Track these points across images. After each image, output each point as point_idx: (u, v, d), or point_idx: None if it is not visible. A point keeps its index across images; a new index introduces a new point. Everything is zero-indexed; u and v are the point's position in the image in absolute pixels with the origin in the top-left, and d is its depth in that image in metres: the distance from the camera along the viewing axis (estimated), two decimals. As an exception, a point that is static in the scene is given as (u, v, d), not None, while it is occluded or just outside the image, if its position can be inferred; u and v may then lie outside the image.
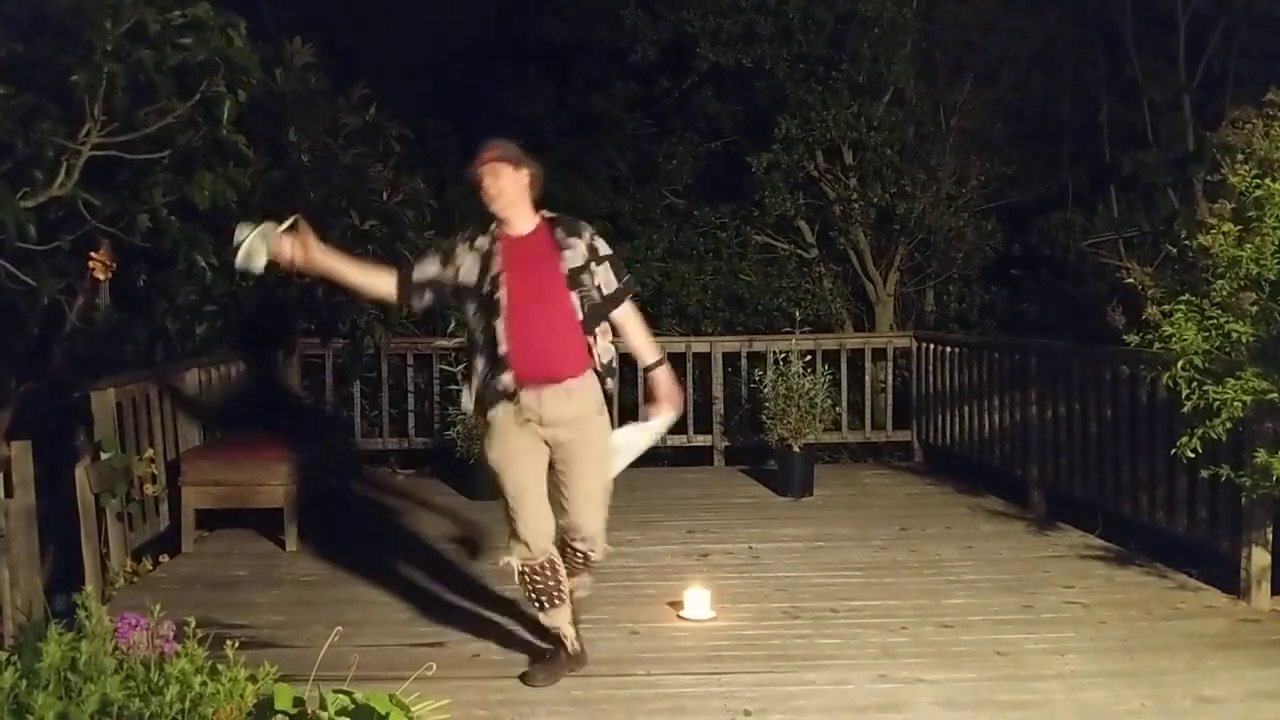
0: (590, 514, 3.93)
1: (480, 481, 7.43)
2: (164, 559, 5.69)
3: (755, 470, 8.10)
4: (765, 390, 7.50)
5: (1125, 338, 4.98)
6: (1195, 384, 4.66)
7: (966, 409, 7.93)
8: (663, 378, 3.99)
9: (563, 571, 3.93)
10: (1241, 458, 4.67)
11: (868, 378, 9.26)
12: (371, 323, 7.91)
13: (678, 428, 8.70)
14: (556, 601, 3.93)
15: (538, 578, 3.87)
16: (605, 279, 3.90)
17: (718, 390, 8.76)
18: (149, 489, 5.64)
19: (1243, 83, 10.43)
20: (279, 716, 2.84)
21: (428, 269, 3.94)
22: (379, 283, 4.00)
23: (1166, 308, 4.80)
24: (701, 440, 8.78)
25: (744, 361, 8.79)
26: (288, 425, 7.67)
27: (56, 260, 4.85)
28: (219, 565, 5.66)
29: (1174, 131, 11.53)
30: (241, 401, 7.21)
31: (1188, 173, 10.51)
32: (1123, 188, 11.62)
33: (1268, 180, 4.62)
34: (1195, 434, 4.65)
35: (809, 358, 7.82)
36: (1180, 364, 4.70)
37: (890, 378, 9.11)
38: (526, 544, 3.84)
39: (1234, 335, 4.62)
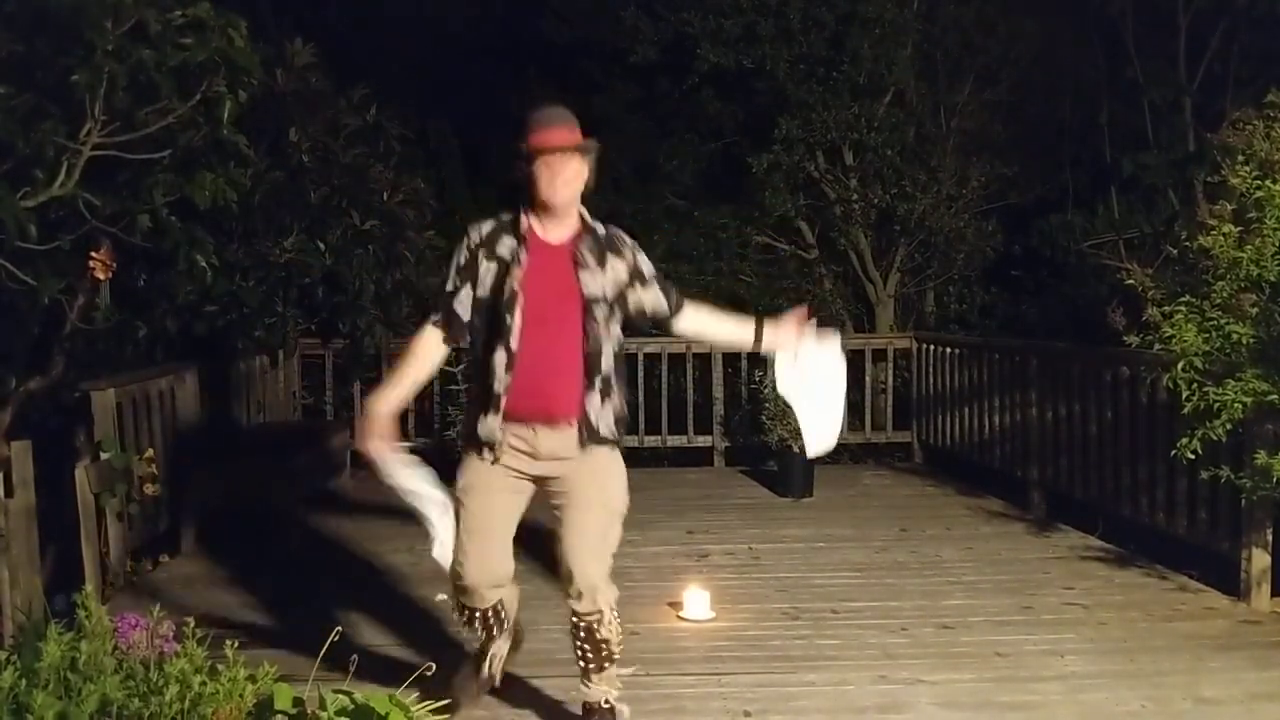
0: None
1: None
2: (164, 559, 5.69)
3: (755, 471, 8.10)
4: (765, 391, 7.50)
5: (1125, 339, 4.98)
6: (1195, 385, 4.66)
7: (967, 410, 7.93)
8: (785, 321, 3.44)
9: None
10: (1241, 459, 4.68)
11: (868, 378, 9.27)
12: (371, 323, 7.91)
13: (678, 428, 8.75)
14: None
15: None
16: (653, 302, 3.38)
17: (718, 391, 8.76)
18: (149, 489, 5.63)
19: (1243, 84, 10.42)
20: (278, 716, 2.83)
21: (464, 303, 3.30)
22: (432, 362, 3.42)
23: (1167, 309, 4.81)
24: (702, 441, 8.79)
25: (744, 362, 8.79)
26: (288, 425, 7.69)
27: (57, 260, 4.85)
28: (219, 565, 5.65)
29: (1175, 133, 11.52)
30: (240, 403, 7.21)
31: (1188, 174, 10.49)
32: (1123, 189, 11.61)
33: (1268, 182, 4.62)
34: (1195, 435, 4.66)
35: (809, 359, 7.80)
36: (1180, 365, 4.70)
37: (890, 378, 9.11)
38: None
39: (1234, 337, 4.62)
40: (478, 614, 3.46)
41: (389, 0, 12.36)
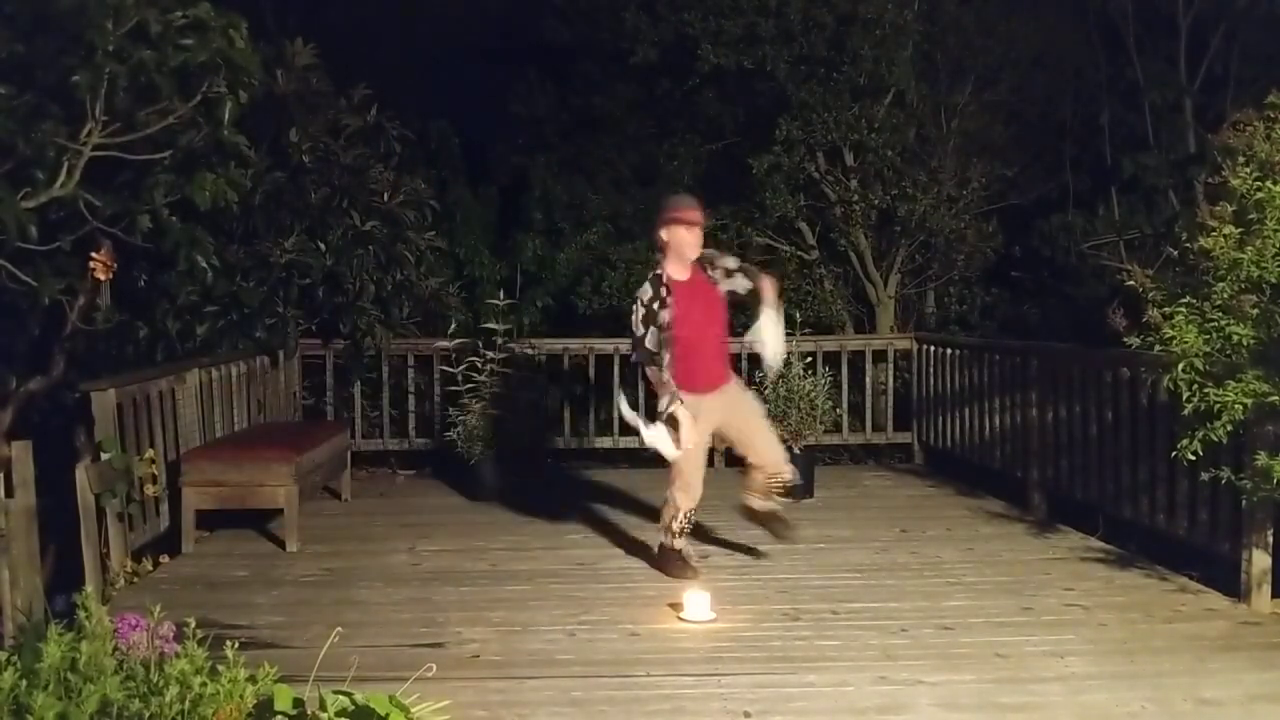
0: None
1: (481, 482, 7.45)
2: (164, 559, 5.68)
3: (756, 472, 8.08)
4: (766, 392, 7.49)
5: (1126, 340, 4.97)
6: (1196, 386, 4.66)
7: (967, 411, 7.93)
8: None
9: None
10: (1242, 460, 4.67)
11: (868, 379, 9.26)
12: (372, 323, 7.92)
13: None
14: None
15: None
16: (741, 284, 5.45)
17: (718, 392, 8.73)
18: (149, 489, 5.64)
19: (1244, 85, 10.44)
20: (279, 717, 2.83)
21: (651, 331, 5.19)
22: None
23: (1167, 310, 4.79)
24: (702, 442, 8.76)
25: (744, 363, 8.78)
26: (288, 425, 7.68)
27: (57, 260, 4.87)
28: (219, 566, 5.66)
29: (1175, 134, 11.53)
30: (242, 401, 7.20)
31: (1189, 175, 10.50)
32: (1124, 190, 11.61)
33: (1268, 183, 4.62)
34: (1195, 436, 4.65)
35: (809, 359, 7.81)
36: (1181, 366, 4.69)
37: (891, 379, 9.11)
38: None
39: (1235, 338, 4.61)
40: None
41: (389, 1, 12.37)
